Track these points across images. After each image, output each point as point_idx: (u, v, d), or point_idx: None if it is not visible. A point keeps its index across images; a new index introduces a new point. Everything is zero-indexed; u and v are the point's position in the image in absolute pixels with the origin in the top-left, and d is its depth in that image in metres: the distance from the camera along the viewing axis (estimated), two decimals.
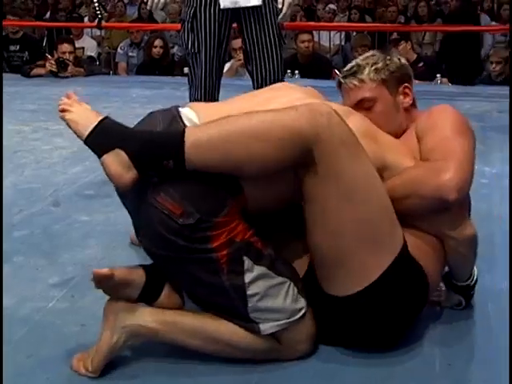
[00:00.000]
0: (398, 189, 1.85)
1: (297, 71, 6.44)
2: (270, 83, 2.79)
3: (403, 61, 2.16)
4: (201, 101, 2.87)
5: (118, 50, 7.79)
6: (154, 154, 1.68)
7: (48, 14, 10.26)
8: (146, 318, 1.81)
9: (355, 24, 8.34)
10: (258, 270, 1.76)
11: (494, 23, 8.16)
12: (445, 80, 6.41)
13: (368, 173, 1.78)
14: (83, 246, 2.66)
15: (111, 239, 2.72)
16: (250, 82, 2.99)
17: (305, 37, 6.62)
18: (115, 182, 1.70)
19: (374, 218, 1.78)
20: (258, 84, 2.89)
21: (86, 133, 1.69)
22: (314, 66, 6.54)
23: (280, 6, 2.88)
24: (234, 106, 1.90)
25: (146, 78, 6.72)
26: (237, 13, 2.83)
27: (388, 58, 2.12)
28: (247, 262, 1.74)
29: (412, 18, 8.76)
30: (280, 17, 2.88)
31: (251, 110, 1.75)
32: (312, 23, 8.25)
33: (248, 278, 1.75)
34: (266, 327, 1.79)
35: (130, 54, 7.74)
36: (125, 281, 1.80)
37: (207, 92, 2.88)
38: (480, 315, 2.11)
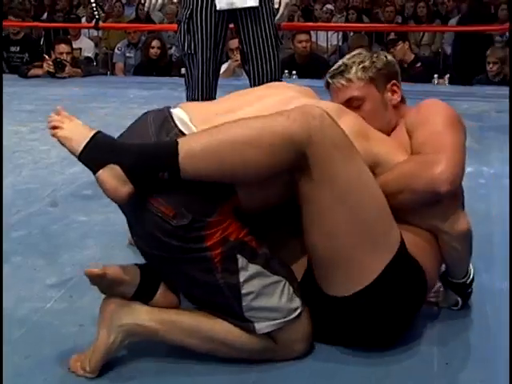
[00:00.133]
0: (390, 184, 1.86)
1: (294, 71, 6.44)
2: (268, 83, 2.79)
3: (390, 58, 2.16)
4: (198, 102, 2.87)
5: (116, 50, 7.79)
6: (148, 166, 1.67)
7: (45, 14, 10.26)
8: (143, 316, 1.81)
9: (352, 24, 8.36)
10: (253, 268, 1.76)
11: None
12: (442, 81, 6.43)
13: (362, 174, 1.78)
14: (81, 246, 2.66)
15: (109, 239, 2.72)
16: (248, 82, 2.99)
17: (302, 37, 6.63)
18: (111, 196, 1.69)
19: (369, 219, 1.78)
20: (255, 84, 2.89)
21: (80, 149, 1.68)
22: (312, 66, 6.55)
23: (276, 6, 2.88)
24: (225, 105, 1.90)
25: (143, 78, 6.72)
26: (233, 14, 2.83)
27: (375, 55, 2.12)
28: (241, 261, 1.74)
29: (410, 19, 8.77)
30: (277, 17, 2.88)
31: (241, 117, 1.74)
32: (309, 23, 8.27)
33: (242, 276, 1.75)
34: (262, 326, 1.79)
35: (128, 54, 7.74)
36: (118, 279, 1.81)
37: (204, 93, 2.88)
38: (478, 314, 2.11)
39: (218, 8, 2.78)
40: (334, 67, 2.14)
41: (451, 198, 1.88)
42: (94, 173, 1.68)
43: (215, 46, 2.85)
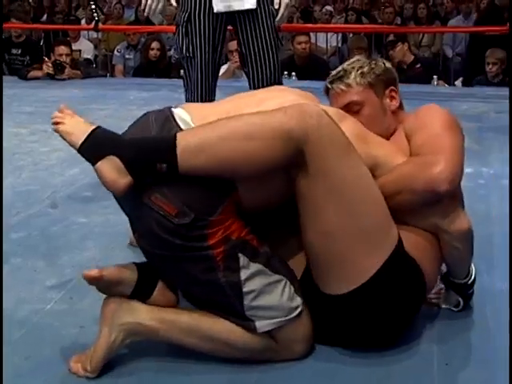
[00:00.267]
0: (389, 185, 1.87)
1: (293, 73, 6.45)
2: (267, 85, 2.80)
3: (388, 65, 2.20)
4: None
5: (115, 52, 7.79)
6: (147, 159, 1.69)
7: (45, 16, 10.27)
8: (144, 315, 1.82)
9: (352, 25, 8.35)
10: (254, 267, 1.77)
11: None
12: (441, 82, 6.43)
13: (359, 172, 1.79)
14: (81, 247, 2.67)
15: (109, 241, 2.72)
16: (247, 84, 2.99)
17: (301, 38, 6.63)
18: (110, 188, 1.71)
19: (365, 216, 1.79)
20: (255, 86, 2.89)
21: (80, 142, 1.72)
22: (311, 68, 6.55)
23: (276, 6, 2.87)
24: (226, 106, 1.91)
25: (143, 80, 6.72)
26: (231, 16, 2.83)
27: (373, 62, 2.16)
28: (242, 259, 1.75)
29: (410, 20, 8.77)
30: (277, 18, 2.87)
31: (242, 113, 1.76)
32: (309, 25, 8.26)
33: (244, 274, 1.75)
34: (262, 325, 1.79)
35: (127, 56, 7.74)
36: (116, 279, 1.82)
37: (203, 95, 2.88)
38: (478, 315, 2.11)
39: (215, 11, 2.77)
40: (333, 73, 2.17)
41: (451, 198, 1.89)
42: (93, 164, 1.71)
43: (214, 48, 2.84)
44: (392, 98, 2.14)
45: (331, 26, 8.55)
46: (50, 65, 6.45)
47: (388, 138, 2.07)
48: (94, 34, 8.01)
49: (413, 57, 6.66)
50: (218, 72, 3.00)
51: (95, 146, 1.71)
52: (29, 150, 4.12)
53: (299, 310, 1.82)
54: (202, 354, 1.84)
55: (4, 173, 3.27)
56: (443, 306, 2.13)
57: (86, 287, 1.89)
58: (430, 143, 1.91)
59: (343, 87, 2.10)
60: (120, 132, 1.86)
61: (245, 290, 1.76)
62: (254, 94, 2.17)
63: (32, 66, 6.81)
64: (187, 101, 2.95)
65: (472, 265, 2.08)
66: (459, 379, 1.85)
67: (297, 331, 1.84)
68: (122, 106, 5.38)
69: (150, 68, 7.04)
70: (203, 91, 2.88)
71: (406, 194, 1.88)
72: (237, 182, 1.75)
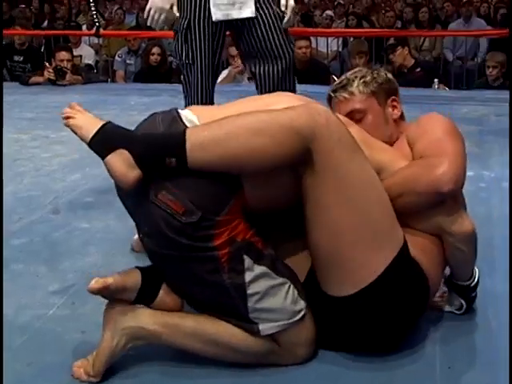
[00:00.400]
0: (393, 188, 1.87)
1: (294, 77, 6.44)
2: (276, 86, 2.81)
3: (390, 75, 2.24)
4: None
5: (116, 57, 7.79)
6: (157, 153, 1.71)
7: (46, 22, 10.29)
8: (146, 320, 1.82)
9: (352, 30, 8.37)
10: (259, 269, 1.77)
11: (489, 27, 8.17)
12: (442, 85, 6.43)
13: (366, 171, 1.80)
14: (83, 253, 2.67)
15: (111, 246, 2.72)
16: (249, 88, 2.98)
17: (302, 43, 6.63)
18: (119, 181, 1.72)
19: (371, 216, 1.79)
20: (262, 88, 2.88)
21: (90, 135, 1.73)
22: (312, 72, 6.55)
23: (283, 9, 2.86)
24: (233, 109, 1.91)
25: (143, 85, 6.72)
26: (230, 23, 2.83)
27: (375, 71, 2.21)
28: (247, 261, 1.75)
29: (410, 24, 8.78)
30: (284, 21, 2.84)
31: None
32: (309, 29, 8.26)
33: (248, 277, 1.76)
34: (266, 327, 1.79)
35: (128, 61, 7.75)
36: (121, 287, 1.82)
37: (203, 101, 2.88)
38: (481, 318, 2.11)
39: (213, 19, 2.77)
40: (336, 82, 2.21)
41: (454, 199, 1.90)
42: (103, 158, 1.72)
43: (213, 55, 2.85)
44: (394, 107, 2.18)
45: (332, 30, 8.56)
46: (51, 70, 6.45)
47: (391, 146, 2.09)
48: (94, 40, 8.02)
49: (413, 61, 6.67)
50: (217, 77, 3.01)
51: (105, 140, 1.72)
52: (30, 155, 4.12)
53: (302, 313, 1.82)
54: (204, 358, 1.84)
55: (5, 179, 3.28)
56: (446, 309, 2.13)
57: (87, 292, 1.88)
58: (432, 147, 1.93)
59: (346, 95, 2.13)
60: None
61: (249, 292, 1.76)
62: (260, 98, 2.19)
63: (33, 72, 6.82)
64: (187, 106, 2.95)
65: (476, 268, 2.08)
66: (462, 382, 1.85)
67: (300, 335, 1.83)
68: (123, 111, 5.38)
69: (151, 73, 7.04)
70: (203, 96, 2.88)
71: (410, 196, 1.89)
72: (243, 180, 1.75)
